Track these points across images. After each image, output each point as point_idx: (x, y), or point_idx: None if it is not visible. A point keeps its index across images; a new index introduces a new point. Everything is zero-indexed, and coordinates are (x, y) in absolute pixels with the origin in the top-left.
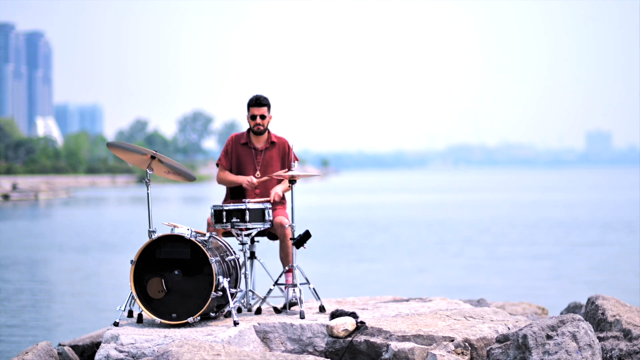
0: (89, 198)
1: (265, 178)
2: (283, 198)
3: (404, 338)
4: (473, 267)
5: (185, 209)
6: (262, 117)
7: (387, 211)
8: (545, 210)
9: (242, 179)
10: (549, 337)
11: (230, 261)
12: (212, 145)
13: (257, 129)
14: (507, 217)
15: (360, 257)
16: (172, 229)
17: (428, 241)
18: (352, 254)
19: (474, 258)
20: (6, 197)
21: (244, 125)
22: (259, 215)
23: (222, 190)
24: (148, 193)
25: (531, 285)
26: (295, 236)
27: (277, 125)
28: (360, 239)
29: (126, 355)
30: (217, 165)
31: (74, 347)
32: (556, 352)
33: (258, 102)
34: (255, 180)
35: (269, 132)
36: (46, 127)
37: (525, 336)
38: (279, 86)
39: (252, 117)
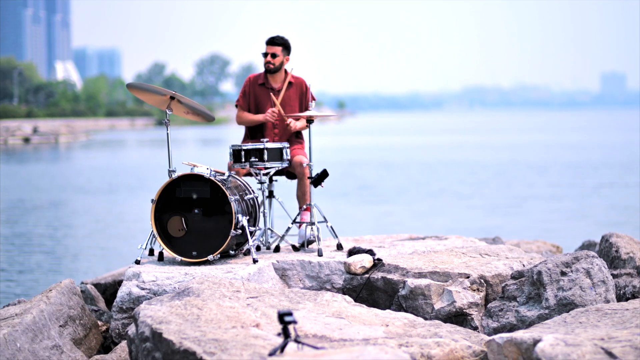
0: (108, 141)
1: (280, 114)
2: (301, 137)
3: (420, 275)
4: (488, 208)
5: (204, 151)
6: (273, 55)
7: (403, 153)
8: (560, 151)
9: (262, 115)
10: (563, 273)
11: (249, 200)
12: (230, 88)
13: (266, 67)
14: (523, 158)
15: (376, 198)
16: (191, 169)
17: (444, 182)
18: (368, 195)
19: (490, 198)
20: (27, 140)
21: (261, 68)
22: (277, 154)
23: (239, 133)
24: (167, 133)
25: (546, 226)
26: (313, 175)
27: (295, 67)
28: (377, 180)
29: (147, 292)
30: (236, 106)
31: (97, 285)
32: (570, 288)
33: (272, 40)
34: (276, 109)
35: (286, 72)
36: (65, 71)
37: (539, 272)
38: (296, 29)
39: (264, 55)
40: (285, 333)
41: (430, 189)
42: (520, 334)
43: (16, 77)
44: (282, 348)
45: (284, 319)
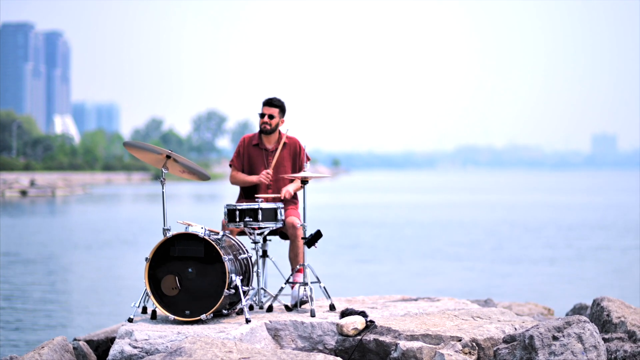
0: (105, 195)
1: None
2: (295, 197)
3: (413, 337)
4: (480, 268)
5: (199, 207)
6: (270, 117)
7: (397, 211)
8: (552, 212)
9: (256, 177)
10: (555, 338)
11: (242, 259)
12: (226, 144)
13: (263, 127)
14: (515, 218)
15: (369, 257)
16: (186, 228)
17: (436, 242)
18: (361, 254)
19: (482, 259)
20: (24, 193)
21: (257, 126)
22: (271, 214)
23: (235, 189)
24: (163, 192)
25: (537, 288)
26: (307, 235)
27: (290, 126)
28: (370, 239)
29: (140, 351)
30: (230, 166)
31: (89, 342)
32: (562, 353)
33: (269, 102)
34: (270, 171)
35: (279, 133)
36: (64, 124)
37: (531, 337)
38: (292, 87)
39: (261, 116)
40: None
41: (423, 249)
42: None
43: (15, 130)
44: None
45: None
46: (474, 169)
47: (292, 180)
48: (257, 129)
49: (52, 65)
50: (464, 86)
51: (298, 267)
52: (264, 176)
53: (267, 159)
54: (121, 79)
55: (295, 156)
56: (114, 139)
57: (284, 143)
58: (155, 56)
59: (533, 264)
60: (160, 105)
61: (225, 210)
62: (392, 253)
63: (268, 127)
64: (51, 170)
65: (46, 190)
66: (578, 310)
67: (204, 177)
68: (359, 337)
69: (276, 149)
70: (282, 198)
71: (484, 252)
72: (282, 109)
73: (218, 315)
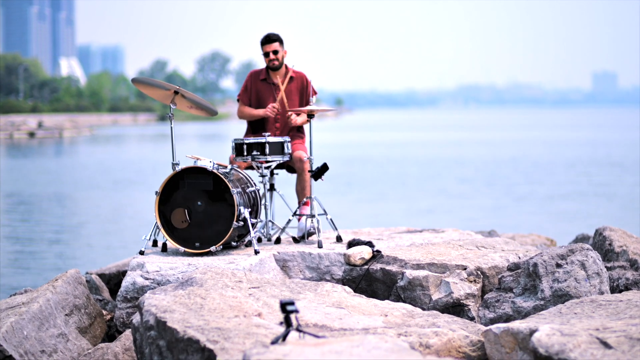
0: (111, 135)
1: (280, 108)
2: (302, 132)
3: (419, 266)
4: (484, 204)
5: (206, 145)
6: (275, 52)
7: (400, 149)
8: (554, 148)
9: (262, 110)
10: (558, 265)
11: (250, 192)
12: (230, 84)
13: (272, 65)
14: (516, 155)
15: (373, 193)
16: (194, 162)
17: (440, 179)
18: (365, 191)
19: (485, 195)
20: (32, 134)
21: (260, 65)
22: (278, 148)
23: (240, 128)
24: (171, 127)
25: (540, 221)
26: (313, 168)
27: (294, 62)
28: (374, 176)
29: (151, 282)
30: (238, 100)
31: (101, 276)
32: (565, 280)
33: (268, 39)
34: (277, 104)
35: (286, 67)
36: (70, 67)
37: (535, 264)
38: (295, 27)
39: (266, 55)
40: (287, 322)
41: (427, 186)
42: (517, 324)
43: (21, 73)
44: (284, 337)
45: (286, 308)
46: (475, 108)
47: (299, 114)
48: (255, 68)
49: (56, 8)
50: (465, 25)
51: (305, 199)
52: (271, 109)
53: (275, 93)
54: (126, 22)
55: (302, 90)
56: (119, 80)
57: (291, 77)
58: None
59: (536, 199)
60: (165, 46)
61: (233, 144)
62: (396, 190)
63: (276, 62)
64: (58, 112)
65: (54, 132)
66: (580, 240)
67: (211, 112)
68: (365, 267)
69: (283, 83)
70: (288, 116)
71: (487, 188)
72: (281, 41)
73: (227, 247)
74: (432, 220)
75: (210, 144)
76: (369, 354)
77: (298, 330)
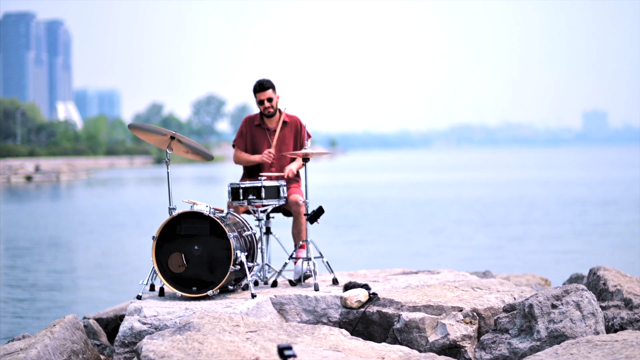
0: (108, 179)
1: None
2: (297, 175)
3: (415, 308)
4: (478, 244)
5: (202, 189)
6: (269, 99)
7: (394, 190)
8: (546, 188)
9: (258, 156)
10: (554, 306)
11: (247, 236)
12: (225, 127)
13: (267, 112)
14: (509, 195)
15: (368, 235)
16: (191, 206)
17: (434, 219)
18: (360, 232)
19: (479, 235)
20: (29, 178)
21: (255, 108)
22: (274, 192)
23: (236, 171)
24: (168, 172)
25: (534, 261)
26: (309, 212)
27: (287, 106)
28: (369, 217)
29: (149, 327)
30: (233, 146)
31: (98, 320)
32: (561, 321)
33: (261, 86)
34: (272, 150)
35: (280, 112)
36: (66, 111)
37: (531, 305)
38: (288, 70)
39: (260, 102)
40: None
41: (421, 226)
42: None
43: (19, 117)
44: None
45: (284, 353)
46: (468, 148)
47: (293, 159)
48: (256, 111)
49: (53, 53)
50: (457, 66)
51: (301, 242)
52: (267, 155)
53: (269, 138)
54: (121, 66)
55: (296, 134)
56: (115, 124)
57: (285, 122)
58: (155, 43)
59: (531, 239)
60: (161, 90)
61: (229, 188)
62: (391, 231)
63: (271, 110)
64: (55, 155)
65: (51, 175)
66: (575, 280)
67: (207, 157)
68: (362, 310)
69: (277, 128)
70: (285, 177)
71: (482, 228)
72: (274, 87)
73: (224, 291)
74: (428, 260)
75: (206, 187)
76: None
77: None
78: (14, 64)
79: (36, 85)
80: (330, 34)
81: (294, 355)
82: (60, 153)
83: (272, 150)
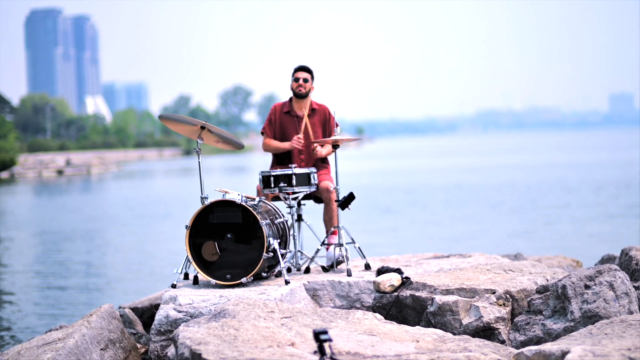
0: (138, 171)
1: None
2: (327, 162)
3: (448, 291)
4: (508, 227)
5: (231, 178)
6: (305, 80)
7: (422, 176)
8: (573, 170)
9: (288, 143)
10: (587, 286)
11: (279, 223)
12: (253, 117)
13: (299, 91)
14: (538, 178)
15: (399, 220)
16: (223, 195)
17: (462, 204)
18: (391, 218)
19: (510, 218)
20: (60, 172)
21: (282, 97)
22: (304, 179)
23: (264, 160)
24: (199, 162)
25: (564, 242)
26: (340, 198)
27: (315, 96)
28: (399, 203)
29: (184, 315)
30: (262, 134)
31: (134, 310)
32: (594, 301)
33: (303, 67)
34: (301, 135)
35: (310, 101)
36: (95, 105)
37: (564, 286)
38: (314, 59)
39: (296, 80)
40: (321, 351)
41: (451, 211)
42: (549, 347)
43: (49, 113)
44: None
45: (320, 337)
46: (495, 132)
47: (323, 146)
48: (284, 100)
49: (81, 48)
50: (483, 50)
51: (333, 229)
52: (296, 141)
53: (298, 125)
54: (149, 59)
55: (325, 122)
56: (144, 116)
57: (313, 109)
58: (181, 34)
59: (560, 222)
60: (188, 82)
61: (260, 176)
62: (421, 217)
63: (303, 90)
64: (85, 149)
65: (82, 169)
66: (606, 260)
67: (238, 146)
68: (395, 294)
69: (307, 116)
70: (315, 153)
71: (511, 212)
72: (313, 76)
73: (258, 278)
74: (459, 245)
75: (235, 177)
76: None
77: (332, 358)
78: (42, 59)
79: (65, 80)
80: (356, 21)
81: (330, 340)
82: (90, 147)
83: (301, 135)
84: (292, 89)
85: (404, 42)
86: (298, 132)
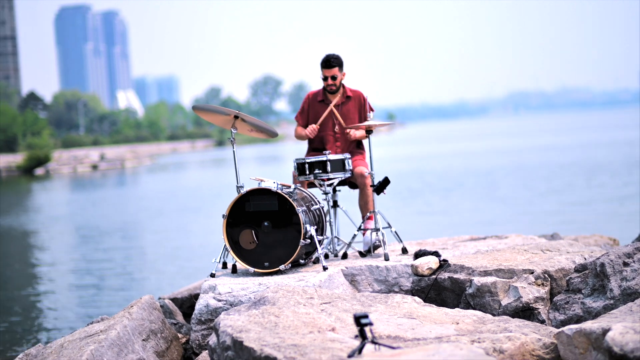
0: (171, 163)
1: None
2: (361, 148)
3: (486, 273)
4: (543, 208)
5: (265, 168)
6: (333, 77)
7: (455, 160)
8: (606, 149)
9: (304, 131)
10: (625, 264)
11: (315, 210)
12: (283, 106)
13: (330, 89)
14: (572, 158)
15: (433, 204)
16: (259, 183)
17: (496, 186)
18: (426, 202)
19: (545, 199)
20: (95, 167)
21: (312, 86)
22: (339, 165)
23: (297, 148)
24: (234, 151)
25: (600, 221)
26: (375, 183)
27: (346, 80)
28: (433, 188)
29: (224, 304)
30: (296, 120)
31: (174, 300)
32: (633, 278)
33: (327, 63)
34: (315, 126)
35: (343, 87)
36: (127, 99)
37: (602, 264)
38: (344, 46)
39: (324, 79)
40: (362, 335)
41: (485, 194)
42: (589, 325)
43: (81, 108)
44: (360, 349)
45: (360, 321)
46: (525, 114)
47: (357, 130)
48: (312, 90)
49: (110, 43)
50: (512, 32)
51: (369, 214)
52: (310, 131)
53: (332, 114)
54: (179, 52)
55: (360, 108)
56: (176, 109)
57: (348, 96)
58: (210, 26)
59: (596, 201)
60: (218, 73)
61: (295, 164)
62: (455, 200)
63: (334, 87)
64: (118, 143)
65: (116, 163)
66: None
67: (272, 134)
68: (433, 277)
69: (341, 104)
70: (349, 135)
71: (546, 193)
72: (341, 65)
73: (296, 265)
74: (494, 228)
75: (268, 166)
76: None
77: (373, 342)
78: (73, 56)
79: (96, 75)
80: (387, 7)
81: (371, 323)
82: (123, 141)
83: (316, 126)
84: (323, 84)
85: (434, 26)
86: (334, 120)
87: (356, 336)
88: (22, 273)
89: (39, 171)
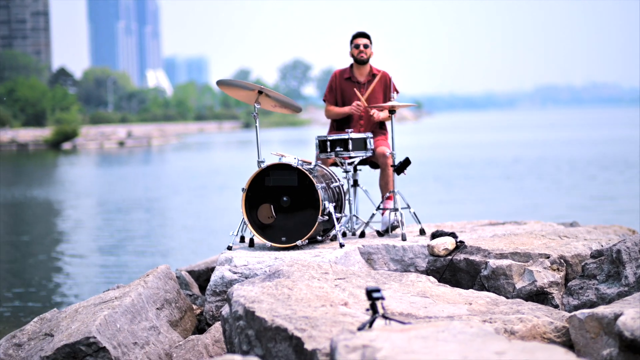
0: (198, 143)
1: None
2: (384, 129)
3: (502, 256)
4: (566, 201)
5: (289, 150)
6: (365, 46)
7: (480, 150)
8: (634, 145)
9: (348, 108)
10: None
11: (335, 188)
12: (312, 91)
13: (360, 57)
14: (597, 153)
15: (456, 192)
16: (279, 158)
17: (519, 177)
18: (448, 190)
19: (567, 192)
20: (122, 144)
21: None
22: (361, 144)
23: (324, 132)
24: (257, 126)
25: (621, 213)
26: (396, 163)
27: (374, 61)
28: (456, 176)
29: (240, 276)
30: (324, 101)
31: (190, 273)
32: None
33: (362, 33)
34: (362, 101)
35: (370, 66)
36: (156, 78)
37: (619, 251)
38: (374, 33)
39: (356, 46)
40: (374, 309)
41: (508, 185)
42: (602, 309)
43: (110, 86)
44: (371, 323)
45: (372, 295)
46: (553, 108)
47: (381, 110)
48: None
49: (142, 22)
50: (542, 26)
51: (388, 194)
52: (355, 107)
53: (359, 91)
54: (209, 33)
55: (385, 88)
56: (204, 90)
57: (374, 75)
58: (241, 8)
59: (620, 196)
60: (248, 55)
61: (317, 141)
62: (478, 189)
63: (364, 55)
64: (146, 122)
65: (142, 141)
66: None
67: (296, 109)
68: (449, 257)
69: (368, 82)
70: (371, 115)
71: (569, 186)
72: (372, 42)
73: (313, 242)
74: (515, 217)
75: (295, 148)
76: (455, 338)
77: (384, 317)
78: (104, 34)
79: (126, 54)
80: None
81: (382, 298)
82: (150, 119)
83: (362, 102)
84: (352, 55)
85: (462, 16)
86: (359, 98)
87: (367, 310)
88: (44, 241)
89: (66, 146)
